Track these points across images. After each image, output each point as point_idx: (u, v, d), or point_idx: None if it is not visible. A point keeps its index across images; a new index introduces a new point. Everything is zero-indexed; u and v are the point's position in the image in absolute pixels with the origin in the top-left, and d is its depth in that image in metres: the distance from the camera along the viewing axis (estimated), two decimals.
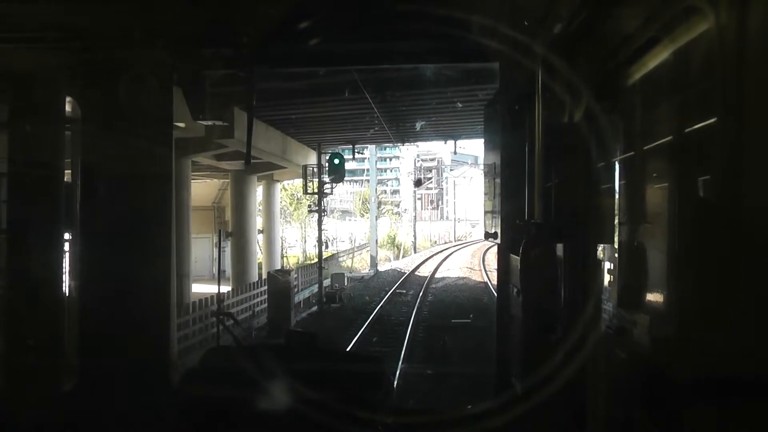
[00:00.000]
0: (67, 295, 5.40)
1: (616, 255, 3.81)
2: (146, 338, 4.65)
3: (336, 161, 25.93)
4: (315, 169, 27.56)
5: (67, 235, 5.37)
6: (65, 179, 5.42)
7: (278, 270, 25.90)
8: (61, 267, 5.33)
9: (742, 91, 2.18)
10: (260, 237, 34.00)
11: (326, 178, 27.33)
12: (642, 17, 2.96)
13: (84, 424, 4.43)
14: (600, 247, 3.97)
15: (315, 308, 25.46)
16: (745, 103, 2.17)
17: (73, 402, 4.70)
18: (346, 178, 33.78)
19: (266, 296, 22.11)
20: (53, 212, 5.16)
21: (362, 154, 45.54)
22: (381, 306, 24.43)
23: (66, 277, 5.40)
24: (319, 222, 28.75)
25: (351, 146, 29.99)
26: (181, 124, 12.57)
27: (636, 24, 3.02)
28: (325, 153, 27.51)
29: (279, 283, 21.45)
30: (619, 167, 3.74)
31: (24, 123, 5.29)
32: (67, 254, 5.45)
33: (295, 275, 25.51)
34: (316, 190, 27.78)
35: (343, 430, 3.41)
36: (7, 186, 5.40)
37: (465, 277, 35.06)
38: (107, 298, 4.63)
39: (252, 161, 23.73)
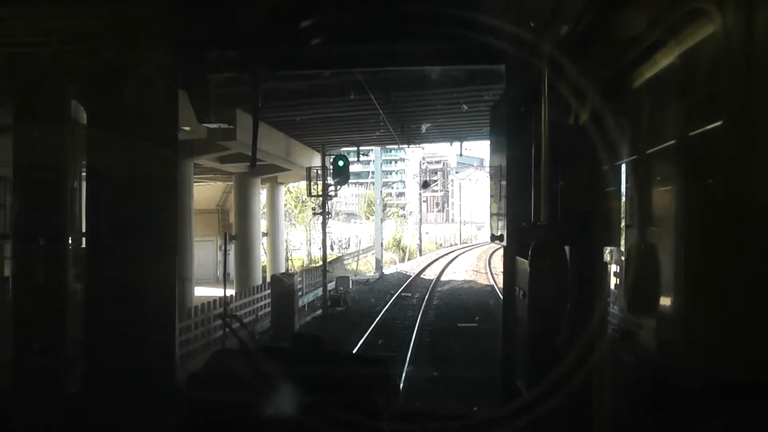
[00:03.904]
0: (71, 298, 5.40)
1: (623, 258, 3.79)
2: (151, 342, 4.65)
3: (340, 163, 25.87)
4: (319, 171, 27.52)
5: (71, 239, 5.38)
6: (70, 182, 5.43)
7: (282, 273, 25.91)
8: (65, 270, 5.33)
9: (750, 93, 2.16)
10: (264, 240, 34.02)
11: (331, 180, 27.30)
12: (649, 19, 2.94)
13: (88, 426, 4.42)
14: (607, 250, 3.95)
15: (319, 312, 25.41)
16: (754, 105, 2.15)
17: (78, 405, 4.70)
18: (351, 181, 33.72)
19: (270, 300, 22.06)
20: (58, 215, 5.17)
21: (367, 156, 45.59)
22: (386, 309, 24.39)
23: (70, 280, 5.41)
24: (323, 224, 28.71)
25: (356, 148, 29.99)
26: (187, 128, 12.60)
27: (643, 25, 3.00)
28: (330, 155, 27.45)
29: (283, 286, 21.43)
30: (627, 169, 3.71)
31: (29, 126, 5.30)
32: (72, 257, 5.45)
33: (300, 278, 25.49)
34: (320, 193, 27.75)
35: None
36: (13, 189, 5.42)
37: (471, 280, 35.02)
38: (111, 302, 4.63)
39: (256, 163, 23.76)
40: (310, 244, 51.81)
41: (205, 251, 33.66)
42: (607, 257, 3.94)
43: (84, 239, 5.05)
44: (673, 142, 3.04)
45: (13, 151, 5.33)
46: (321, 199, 27.92)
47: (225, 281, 18.30)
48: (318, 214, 29.33)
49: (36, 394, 4.93)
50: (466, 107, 19.72)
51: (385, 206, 61.51)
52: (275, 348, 9.33)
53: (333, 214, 36.26)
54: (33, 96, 5.07)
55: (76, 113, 5.26)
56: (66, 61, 4.80)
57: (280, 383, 3.48)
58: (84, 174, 4.96)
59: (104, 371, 4.59)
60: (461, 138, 30.35)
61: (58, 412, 4.69)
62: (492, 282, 32.23)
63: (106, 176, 4.71)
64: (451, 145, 35.55)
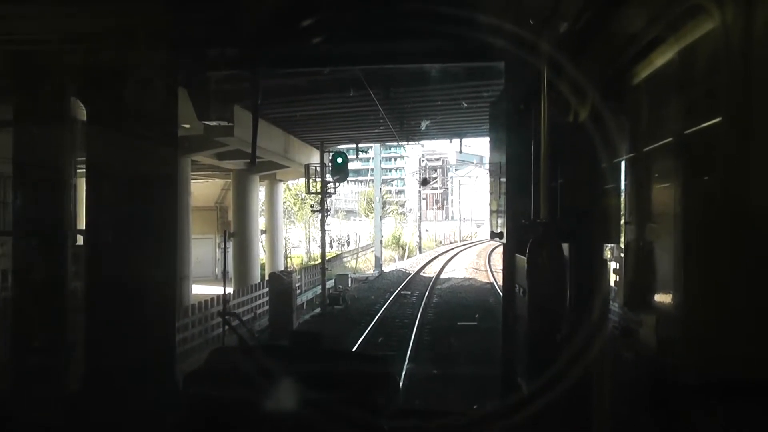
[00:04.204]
0: (70, 296, 5.40)
1: (622, 255, 3.79)
2: (150, 340, 4.65)
3: (339, 160, 25.72)
4: (318, 169, 27.41)
5: (71, 236, 5.38)
6: (70, 180, 5.43)
7: (281, 271, 25.87)
8: (66, 268, 5.33)
9: (750, 90, 2.16)
10: (263, 237, 33.97)
11: (330, 178, 27.22)
12: (648, 16, 2.94)
13: (88, 425, 4.42)
14: (606, 247, 3.95)
15: (318, 310, 25.33)
16: (753, 102, 2.15)
17: (78, 403, 4.70)
18: (350, 178, 33.67)
19: (268, 298, 21.99)
20: (58, 213, 5.17)
21: (366, 153, 45.52)
22: (386, 308, 24.35)
23: (70, 279, 5.41)
24: (322, 222, 28.63)
25: (355, 145, 29.92)
26: (187, 125, 12.58)
27: (642, 23, 3.01)
28: (329, 152, 27.34)
29: (281, 284, 21.37)
30: (626, 167, 3.72)
31: (29, 124, 5.30)
32: (72, 255, 5.46)
33: (299, 276, 25.45)
34: (319, 190, 27.66)
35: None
36: (13, 187, 5.42)
37: (471, 278, 34.99)
38: (110, 300, 4.63)
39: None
40: (309, 242, 51.77)
41: (203, 249, 33.58)
42: (606, 254, 3.95)
43: (83, 237, 5.05)
44: (672, 139, 3.04)
45: (13, 148, 5.34)
46: (320, 196, 27.87)
47: (224, 279, 18.26)
48: (317, 211, 29.27)
49: (35, 393, 4.93)
50: (465, 104, 19.70)
51: (384, 204, 61.46)
52: (275, 346, 9.33)
53: (332, 212, 36.19)
54: (33, 94, 5.07)
55: (76, 111, 5.26)
56: (66, 60, 4.80)
57: (280, 381, 3.48)
58: (84, 172, 4.95)
59: (104, 370, 4.60)
60: (461, 135, 30.29)
61: (57, 412, 4.69)
62: (492, 280, 32.20)
63: (105, 174, 4.71)
64: (450, 142, 35.44)
